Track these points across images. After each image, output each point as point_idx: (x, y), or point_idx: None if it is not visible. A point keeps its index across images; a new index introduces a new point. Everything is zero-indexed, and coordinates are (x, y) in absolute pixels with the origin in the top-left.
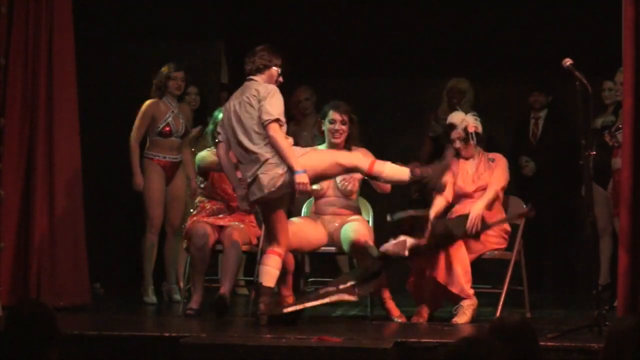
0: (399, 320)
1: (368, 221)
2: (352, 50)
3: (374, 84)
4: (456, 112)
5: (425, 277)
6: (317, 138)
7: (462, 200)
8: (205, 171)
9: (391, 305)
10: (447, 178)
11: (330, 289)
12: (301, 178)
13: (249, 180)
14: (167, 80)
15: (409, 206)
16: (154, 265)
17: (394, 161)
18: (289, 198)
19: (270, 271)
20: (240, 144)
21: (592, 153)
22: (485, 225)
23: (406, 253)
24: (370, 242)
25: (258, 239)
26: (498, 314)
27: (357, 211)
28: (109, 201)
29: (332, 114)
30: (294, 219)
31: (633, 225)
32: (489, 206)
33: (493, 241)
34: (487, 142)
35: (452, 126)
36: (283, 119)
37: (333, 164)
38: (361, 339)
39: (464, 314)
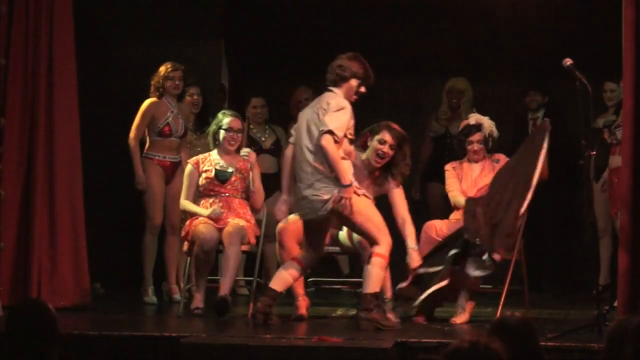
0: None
1: None
2: (352, 50)
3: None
4: (473, 114)
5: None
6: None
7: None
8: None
9: (389, 307)
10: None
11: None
12: (346, 193)
13: (302, 192)
14: (164, 81)
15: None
16: (154, 265)
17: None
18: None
19: (283, 275)
20: (304, 152)
21: (592, 153)
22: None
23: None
24: None
25: (257, 238)
26: (498, 314)
27: None
28: (109, 201)
29: (384, 134)
30: (291, 217)
31: (633, 225)
32: None
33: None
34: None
35: (474, 128)
36: (340, 134)
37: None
38: (361, 339)
39: (464, 314)
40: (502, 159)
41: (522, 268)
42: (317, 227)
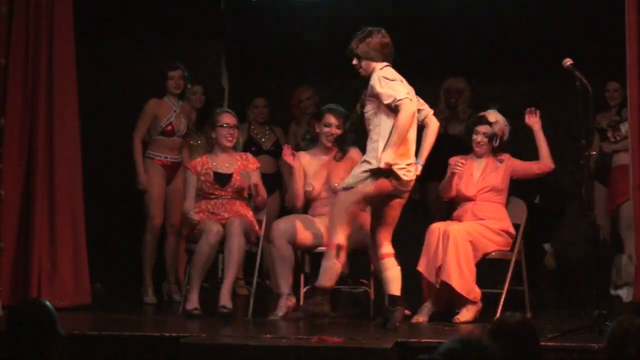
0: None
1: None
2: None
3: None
4: (492, 110)
5: (435, 278)
6: (306, 139)
7: (463, 204)
8: None
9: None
10: None
11: None
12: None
13: None
14: (165, 80)
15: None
16: (154, 265)
17: None
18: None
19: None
20: None
21: (592, 153)
22: None
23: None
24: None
25: (258, 238)
26: (498, 314)
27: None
28: (109, 201)
29: (328, 118)
30: (287, 216)
31: None
32: (493, 209)
33: (499, 242)
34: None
35: (484, 120)
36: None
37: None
38: (361, 339)
39: (467, 314)
40: (507, 158)
41: (522, 268)
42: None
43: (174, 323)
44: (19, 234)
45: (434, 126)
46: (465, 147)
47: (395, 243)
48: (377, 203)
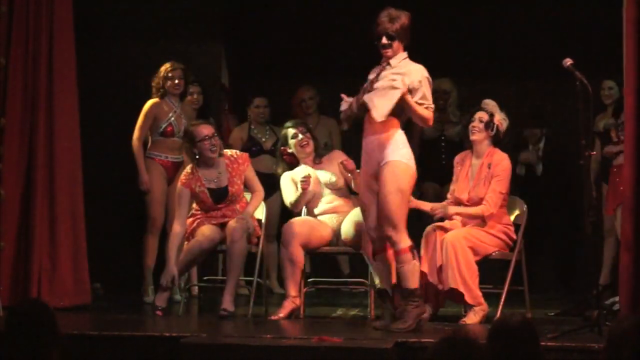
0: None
1: None
2: (353, 50)
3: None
4: (491, 101)
5: (436, 279)
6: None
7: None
8: None
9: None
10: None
11: None
12: None
13: None
14: (165, 81)
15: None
16: (154, 265)
17: None
18: None
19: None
20: None
21: (592, 153)
22: None
23: None
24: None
25: (258, 238)
26: (499, 314)
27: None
28: (110, 201)
29: (291, 131)
30: (298, 218)
31: (635, 224)
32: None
33: (498, 244)
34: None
35: (480, 108)
36: None
37: None
38: (361, 339)
39: (474, 316)
40: (496, 162)
41: (522, 268)
42: None
43: (174, 323)
44: (19, 234)
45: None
46: (460, 149)
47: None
48: None
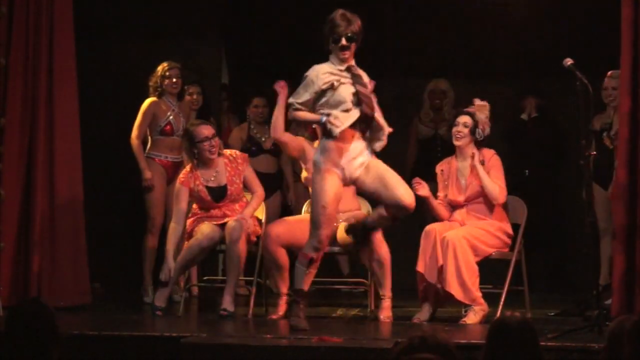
0: (386, 320)
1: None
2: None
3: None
4: (477, 100)
5: (435, 278)
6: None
7: (457, 209)
8: None
9: (387, 304)
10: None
11: None
12: None
13: None
14: (162, 80)
15: None
16: (154, 265)
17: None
18: None
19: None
20: None
21: (592, 153)
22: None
23: None
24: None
25: (258, 238)
26: (499, 314)
27: (355, 206)
28: (109, 201)
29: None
30: (291, 217)
31: (628, 225)
32: (491, 209)
33: (498, 244)
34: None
35: (461, 112)
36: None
37: None
38: (361, 339)
39: (474, 316)
40: (489, 159)
41: (522, 268)
42: None
43: (174, 323)
44: (19, 234)
45: None
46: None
47: (391, 243)
48: None
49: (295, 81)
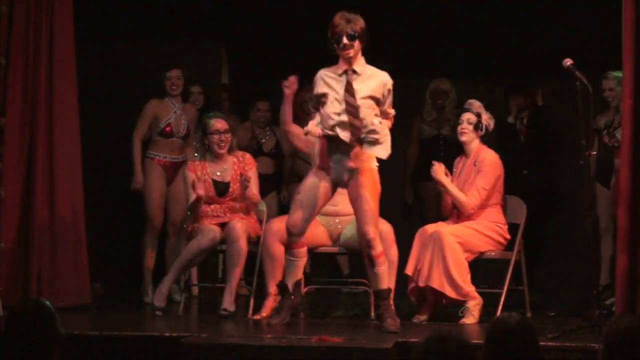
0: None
1: None
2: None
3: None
4: (475, 101)
5: (419, 284)
6: None
7: (455, 208)
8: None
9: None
10: None
11: None
12: None
13: None
14: (163, 81)
15: (403, 208)
16: (154, 265)
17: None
18: None
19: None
20: None
21: (592, 153)
22: None
23: None
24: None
25: (258, 237)
26: (498, 314)
27: None
28: (110, 201)
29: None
30: (279, 217)
31: (632, 226)
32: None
33: (491, 242)
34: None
35: (466, 109)
36: None
37: None
38: (361, 339)
39: (472, 315)
40: (482, 159)
41: (522, 268)
42: None
43: (174, 323)
44: (19, 234)
45: None
46: (458, 148)
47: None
48: None
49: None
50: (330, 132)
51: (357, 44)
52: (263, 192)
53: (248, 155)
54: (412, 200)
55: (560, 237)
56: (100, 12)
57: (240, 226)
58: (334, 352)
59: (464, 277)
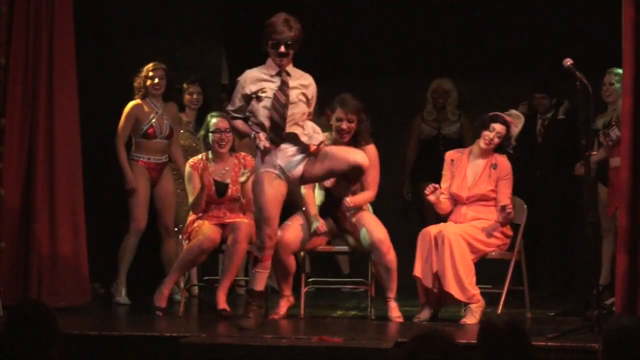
0: (397, 320)
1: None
2: (352, 51)
3: (376, 84)
4: (514, 111)
5: (431, 283)
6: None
7: (457, 206)
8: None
9: (394, 305)
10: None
11: None
12: None
13: None
14: (145, 80)
15: (403, 206)
16: (129, 266)
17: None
18: None
19: None
20: None
21: (592, 153)
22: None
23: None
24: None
25: None
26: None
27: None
28: (109, 201)
29: (338, 112)
30: (296, 220)
31: (632, 226)
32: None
33: (495, 243)
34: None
35: (499, 119)
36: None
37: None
38: (361, 339)
39: (473, 316)
40: (500, 165)
41: (522, 268)
42: None
43: (174, 323)
44: (19, 234)
45: None
46: (458, 147)
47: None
48: None
49: None
50: (264, 146)
51: (292, 53)
52: None
53: (249, 157)
54: (410, 197)
55: (560, 236)
56: (100, 12)
57: (245, 227)
58: (334, 352)
59: (470, 279)
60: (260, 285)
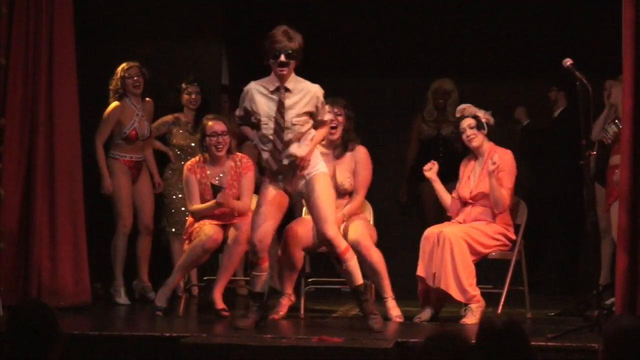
0: (397, 320)
1: (369, 221)
2: (353, 51)
3: (376, 84)
4: (462, 105)
5: (432, 285)
6: None
7: (462, 207)
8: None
9: (392, 304)
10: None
11: None
12: None
13: None
14: (123, 80)
15: (403, 207)
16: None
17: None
18: None
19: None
20: None
21: (592, 153)
22: None
23: None
24: (372, 242)
25: None
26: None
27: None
28: (110, 201)
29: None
30: (300, 221)
31: (632, 226)
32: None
33: (495, 244)
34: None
35: (461, 117)
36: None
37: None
38: (361, 339)
39: (473, 316)
40: (501, 157)
41: (522, 268)
42: None
43: (174, 323)
44: (19, 234)
45: None
46: (457, 149)
47: (391, 245)
48: None
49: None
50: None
51: (292, 63)
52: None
53: (245, 159)
54: (406, 199)
55: (561, 236)
56: (100, 12)
57: (246, 229)
58: (334, 352)
59: (470, 280)
60: (259, 286)
